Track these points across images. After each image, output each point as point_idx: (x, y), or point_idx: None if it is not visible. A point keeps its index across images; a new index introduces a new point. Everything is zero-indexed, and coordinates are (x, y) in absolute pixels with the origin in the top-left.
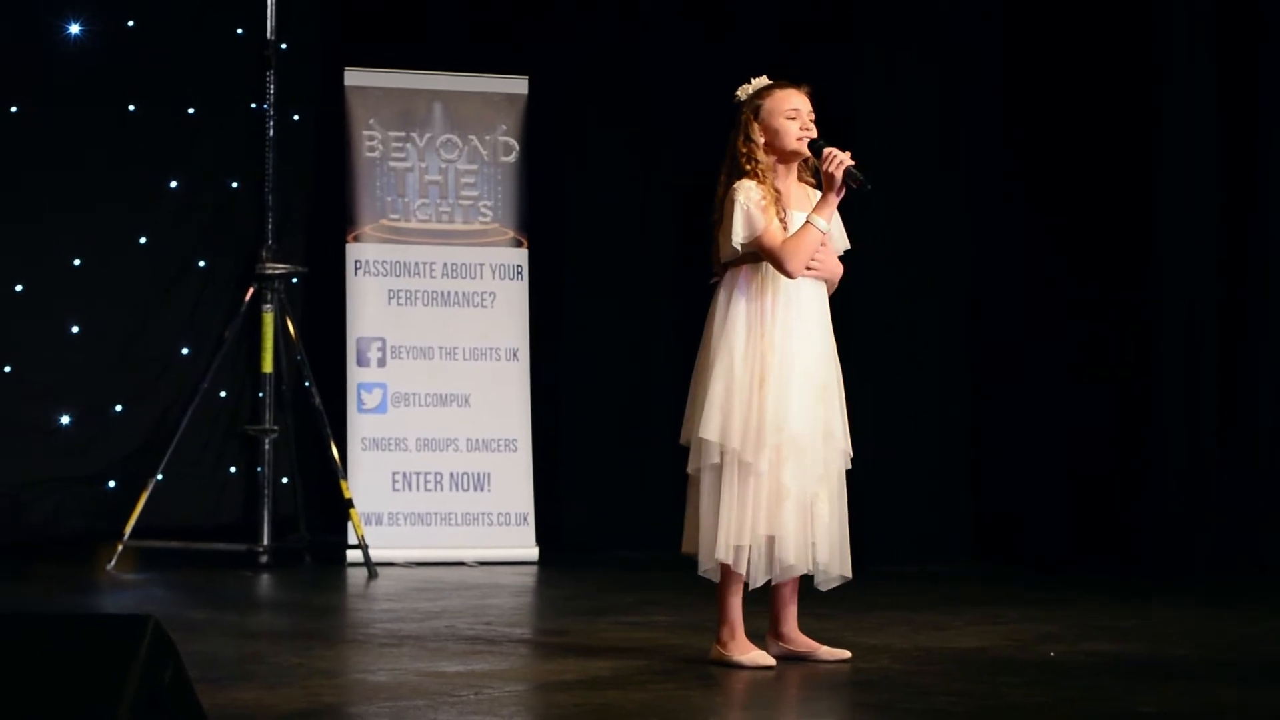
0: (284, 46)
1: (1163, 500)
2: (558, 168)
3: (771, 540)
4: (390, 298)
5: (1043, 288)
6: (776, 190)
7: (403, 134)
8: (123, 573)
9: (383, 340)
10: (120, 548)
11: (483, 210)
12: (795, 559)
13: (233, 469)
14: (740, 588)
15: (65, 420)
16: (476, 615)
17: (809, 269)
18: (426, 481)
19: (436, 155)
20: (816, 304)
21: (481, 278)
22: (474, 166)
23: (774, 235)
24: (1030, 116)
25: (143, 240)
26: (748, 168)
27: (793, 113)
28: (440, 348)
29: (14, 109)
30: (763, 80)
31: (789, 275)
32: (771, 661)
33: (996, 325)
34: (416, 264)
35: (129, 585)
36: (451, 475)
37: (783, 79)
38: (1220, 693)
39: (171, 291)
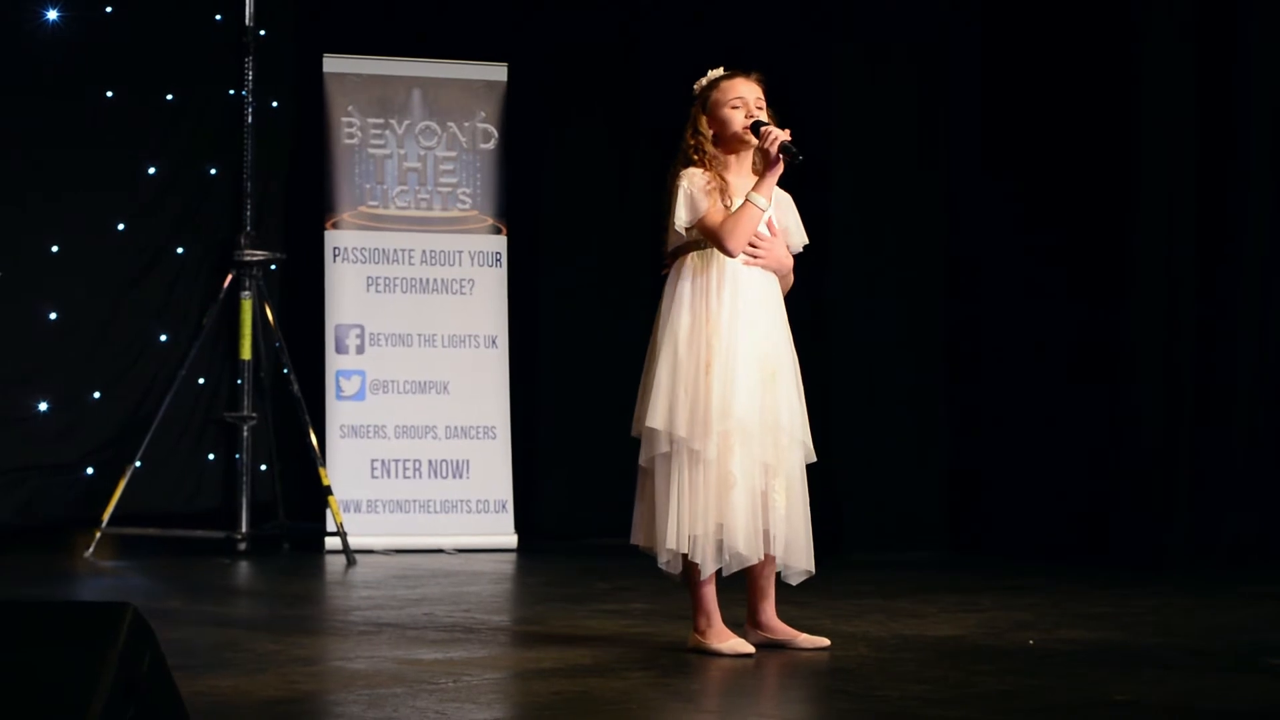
0: (262, 33)
1: (1138, 490)
2: (537, 155)
3: (720, 528)
4: (369, 285)
5: (1021, 281)
6: (724, 179)
7: (381, 121)
8: (100, 560)
9: (361, 327)
10: (98, 535)
11: (461, 197)
12: (745, 548)
13: (211, 456)
14: (712, 575)
15: (43, 407)
16: (455, 603)
17: (754, 258)
18: (405, 469)
19: (415, 142)
20: (765, 293)
21: (460, 265)
22: (453, 153)
23: (715, 216)
24: (1009, 113)
25: (120, 227)
26: (695, 158)
27: (738, 101)
28: (419, 335)
29: None
30: (717, 72)
31: (729, 254)
32: (750, 649)
33: (973, 316)
34: (395, 251)
35: (107, 572)
36: (430, 462)
37: (737, 68)
38: (1194, 681)
39: (149, 278)
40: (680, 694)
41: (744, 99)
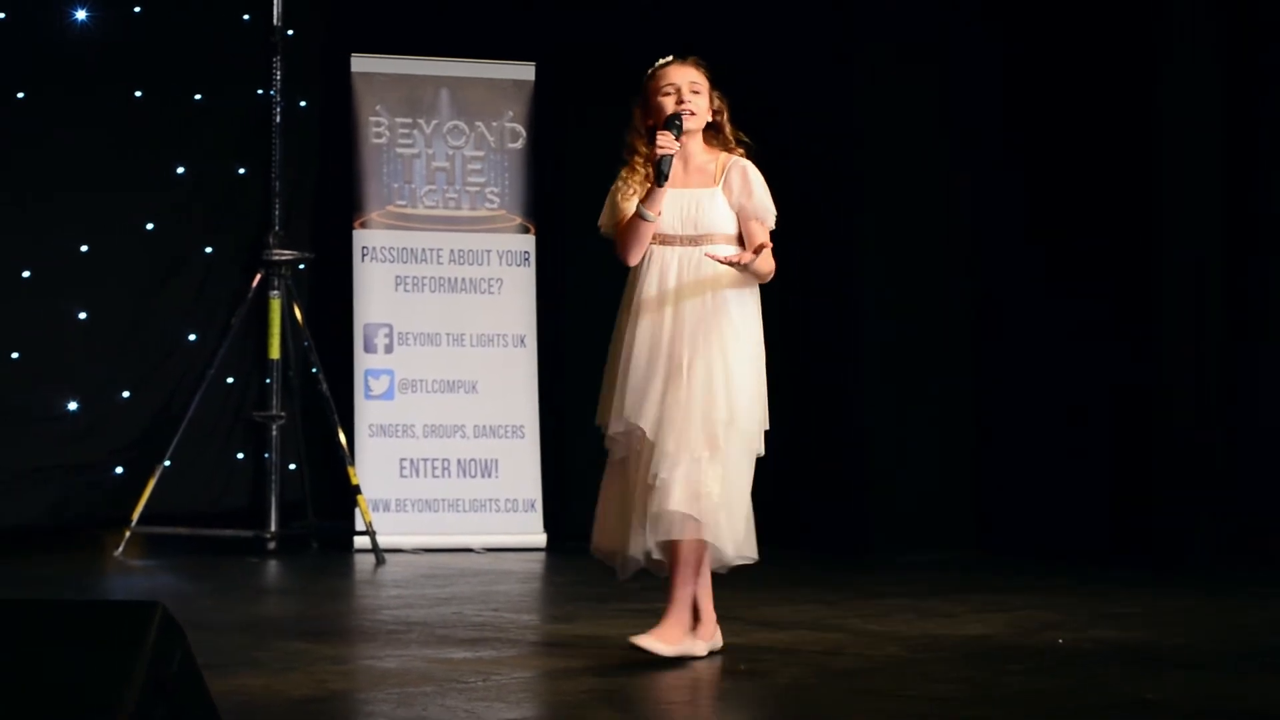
0: (290, 32)
1: (1167, 489)
2: (565, 154)
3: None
4: (397, 284)
5: (1048, 283)
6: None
7: (409, 120)
8: (130, 559)
9: (390, 326)
10: (128, 534)
11: (490, 197)
12: (635, 549)
13: (240, 455)
14: (667, 568)
15: (72, 406)
16: (484, 602)
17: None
18: (434, 468)
19: (443, 141)
20: (695, 286)
21: (489, 264)
22: (481, 153)
23: (620, 226)
24: (1033, 114)
25: (149, 226)
26: (626, 157)
27: (669, 88)
28: (447, 334)
29: (20, 95)
30: (663, 60)
31: (625, 264)
32: (642, 645)
33: (1002, 315)
34: (424, 250)
35: (136, 571)
36: (459, 462)
37: (678, 56)
38: (1223, 681)
39: (178, 278)
40: (709, 693)
41: (675, 85)
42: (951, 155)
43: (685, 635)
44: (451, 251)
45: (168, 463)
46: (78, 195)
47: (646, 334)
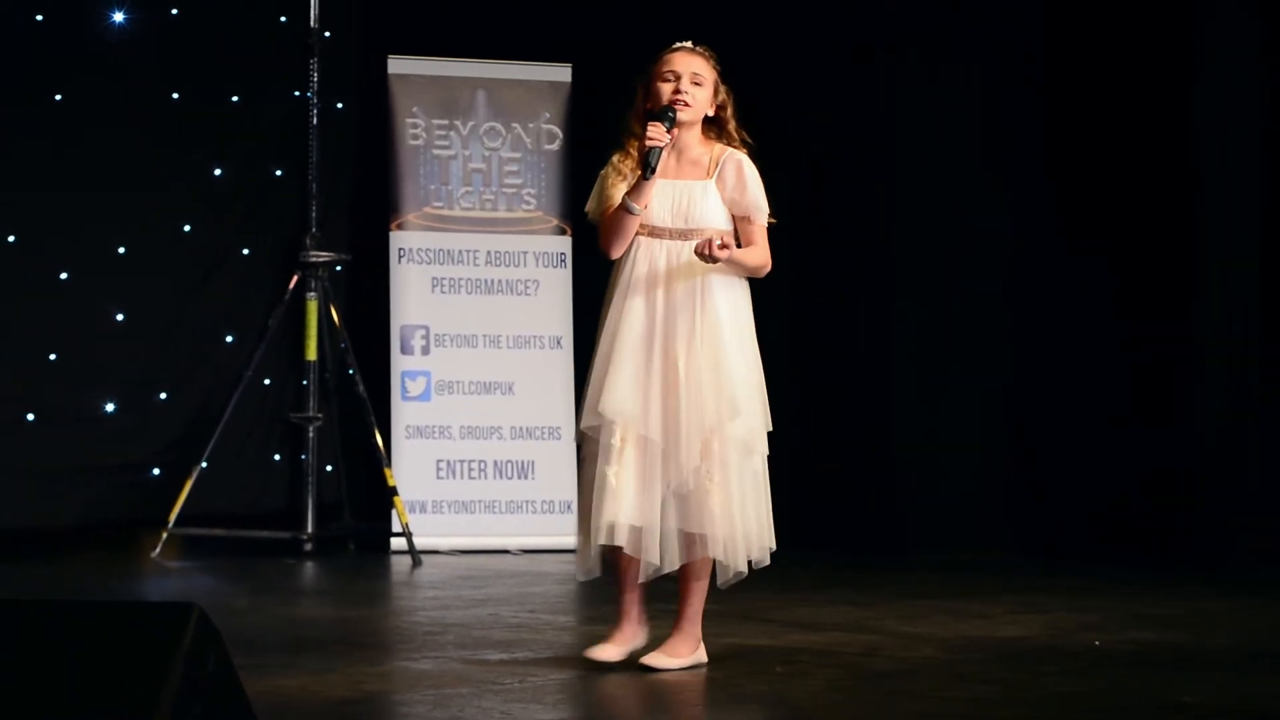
0: (327, 34)
1: (1204, 489)
2: (601, 155)
3: (602, 528)
4: (434, 285)
5: (1085, 284)
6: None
7: (446, 122)
8: (167, 560)
9: (426, 328)
10: (165, 535)
11: (526, 198)
12: (632, 550)
13: (277, 456)
14: (624, 575)
15: (109, 408)
16: (520, 603)
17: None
18: (470, 469)
19: (480, 143)
20: (687, 283)
21: (525, 266)
22: (517, 154)
23: (605, 215)
24: (1071, 119)
25: (186, 228)
26: (623, 139)
27: (669, 74)
28: (484, 336)
29: (58, 97)
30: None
31: (606, 257)
32: (603, 657)
33: (1039, 319)
34: (460, 252)
35: (173, 573)
36: (495, 463)
37: (687, 42)
38: (1263, 684)
39: (215, 279)
40: (744, 694)
41: (676, 71)
42: (985, 154)
43: (697, 647)
44: (488, 253)
45: (205, 464)
46: (115, 196)
47: (631, 329)
